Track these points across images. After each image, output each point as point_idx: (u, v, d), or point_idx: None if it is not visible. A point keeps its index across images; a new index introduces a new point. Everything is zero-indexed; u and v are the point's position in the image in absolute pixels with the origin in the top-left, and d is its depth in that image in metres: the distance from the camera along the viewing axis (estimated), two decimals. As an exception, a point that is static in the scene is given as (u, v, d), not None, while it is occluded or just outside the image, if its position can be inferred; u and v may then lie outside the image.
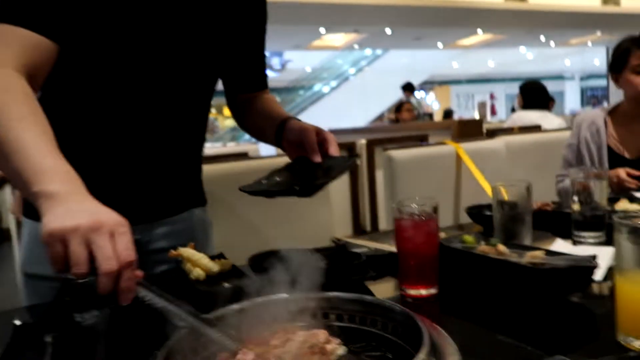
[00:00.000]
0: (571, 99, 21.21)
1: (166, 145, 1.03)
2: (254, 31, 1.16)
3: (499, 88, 20.39)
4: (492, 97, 20.34)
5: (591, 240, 1.13)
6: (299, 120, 1.08)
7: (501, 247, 0.93)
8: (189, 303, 0.60)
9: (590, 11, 9.39)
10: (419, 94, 19.95)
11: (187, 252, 0.90)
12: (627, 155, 1.99)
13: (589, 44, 13.23)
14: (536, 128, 3.64)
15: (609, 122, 2.04)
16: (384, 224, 2.69)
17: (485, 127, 5.96)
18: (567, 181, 1.95)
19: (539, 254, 0.87)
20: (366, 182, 2.95)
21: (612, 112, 2.06)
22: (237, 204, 1.67)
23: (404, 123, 5.37)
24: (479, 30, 10.70)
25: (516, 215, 1.05)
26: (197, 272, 0.86)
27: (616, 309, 0.67)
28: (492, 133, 3.34)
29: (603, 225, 1.13)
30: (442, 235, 1.08)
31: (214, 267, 0.88)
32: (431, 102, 20.05)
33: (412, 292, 0.91)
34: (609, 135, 2.01)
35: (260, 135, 1.21)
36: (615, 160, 1.97)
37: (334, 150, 1.02)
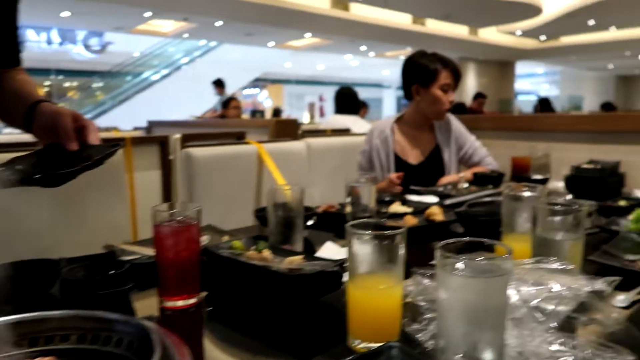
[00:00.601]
0: (388, 106, 23.54)
1: None
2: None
3: (328, 90, 21.67)
4: (321, 99, 21.49)
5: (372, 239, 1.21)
6: (54, 103, 0.96)
7: (265, 253, 0.92)
8: None
9: (401, 28, 10.52)
10: (252, 91, 20.11)
11: None
12: (410, 161, 2.21)
13: (402, 57, 14.85)
14: (346, 131, 3.91)
15: (395, 130, 2.24)
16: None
17: (304, 127, 6.21)
18: None
19: (297, 259, 0.88)
20: (180, 180, 2.81)
21: (398, 121, 2.27)
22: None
23: (230, 119, 5.30)
24: (308, 34, 11.16)
25: (289, 218, 1.06)
26: None
27: (347, 313, 0.70)
28: (306, 134, 3.48)
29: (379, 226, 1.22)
30: (204, 239, 1.05)
31: None
32: (264, 99, 20.39)
33: (169, 303, 0.85)
34: (396, 143, 2.21)
35: (8, 118, 1.05)
36: (401, 166, 2.17)
37: (93, 138, 0.92)
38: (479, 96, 8.36)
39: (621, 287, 0.88)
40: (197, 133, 3.40)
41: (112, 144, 0.88)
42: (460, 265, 0.54)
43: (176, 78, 15.63)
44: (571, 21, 10.89)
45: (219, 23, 9.56)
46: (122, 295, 0.86)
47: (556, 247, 0.80)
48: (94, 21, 10.00)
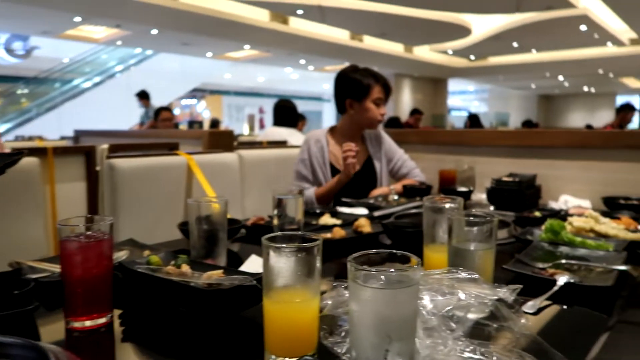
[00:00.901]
0: (328, 119, 23.84)
1: None
2: None
3: (268, 102, 21.62)
4: (261, 110, 21.41)
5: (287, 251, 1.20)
6: None
7: (184, 268, 0.89)
8: None
9: (339, 43, 10.72)
10: (190, 101, 19.67)
11: None
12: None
13: (341, 72, 15.09)
14: (283, 144, 3.90)
15: (329, 140, 2.27)
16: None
17: (242, 139, 6.13)
18: (306, 192, 2.11)
19: (216, 273, 0.85)
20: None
21: (331, 132, 2.31)
22: None
23: (162, 130, 5.13)
24: (247, 45, 11.11)
25: (211, 232, 1.03)
26: None
27: (264, 328, 0.69)
28: (241, 146, 3.44)
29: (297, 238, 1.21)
30: (122, 254, 1.00)
31: None
32: (202, 110, 20.01)
33: (76, 324, 0.79)
34: (330, 153, 2.24)
35: None
36: (335, 175, 2.20)
37: None
38: (415, 112, 8.65)
39: (531, 294, 0.93)
40: (126, 143, 3.27)
41: (14, 153, 0.82)
42: (370, 276, 0.54)
43: (109, 86, 15.02)
44: (497, 43, 11.57)
45: (154, 31, 9.30)
46: (25, 316, 0.80)
47: (469, 257, 0.83)
48: (17, 24, 9.41)
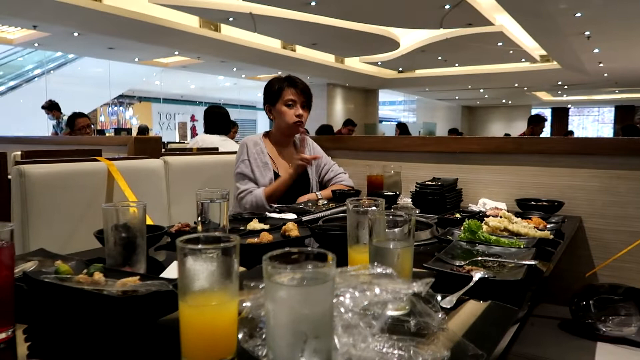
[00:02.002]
0: (262, 128, 23.73)
1: None
2: None
3: (200, 110, 21.10)
4: (193, 118, 20.89)
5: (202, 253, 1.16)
6: None
7: (97, 276, 0.84)
8: None
9: (272, 52, 10.73)
10: (117, 108, 18.81)
11: None
12: (281, 174, 2.25)
13: (273, 80, 15.08)
14: (214, 150, 3.82)
15: (266, 144, 2.30)
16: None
17: (172, 147, 5.94)
18: (255, 192, 2.08)
19: (131, 280, 0.81)
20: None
21: (266, 137, 2.34)
22: None
23: (83, 137, 4.85)
24: (176, 51, 10.83)
25: (128, 238, 0.98)
26: None
27: (180, 334, 0.66)
28: (169, 152, 3.33)
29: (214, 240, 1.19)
30: (29, 265, 0.93)
31: None
32: (129, 117, 19.20)
33: (-29, 342, 0.72)
34: (268, 156, 2.26)
35: None
36: (275, 178, 2.21)
37: None
38: (349, 123, 8.76)
39: (449, 290, 0.96)
40: (42, 150, 3.06)
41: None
42: (283, 274, 0.54)
43: (26, 91, 14.04)
44: (423, 56, 12.10)
45: (75, 34, 8.82)
46: None
47: (389, 255, 0.85)
48: None
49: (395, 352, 0.66)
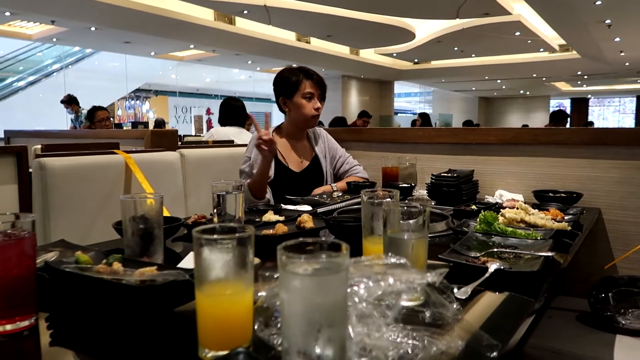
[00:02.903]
0: (277, 121, 23.76)
1: None
2: None
3: (216, 103, 21.16)
4: (208, 112, 21.01)
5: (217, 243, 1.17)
6: None
7: (116, 266, 0.86)
8: None
9: (286, 44, 10.71)
10: (134, 102, 19.00)
11: None
12: (292, 168, 2.25)
13: (288, 74, 15.06)
14: (230, 143, 3.84)
15: (276, 138, 2.27)
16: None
17: (188, 140, 5.99)
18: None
19: (149, 270, 0.83)
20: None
21: (277, 131, 2.32)
22: None
23: (101, 130, 4.92)
24: (192, 45, 10.88)
25: (145, 229, 1.00)
26: None
27: (197, 322, 0.67)
28: (184, 145, 3.36)
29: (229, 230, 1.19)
30: (51, 255, 0.95)
31: None
32: (146, 111, 19.37)
33: (-4, 329, 0.74)
34: (277, 151, 2.23)
35: None
36: (284, 172, 2.21)
37: None
38: (364, 115, 8.71)
39: (465, 282, 0.96)
40: (61, 144, 3.11)
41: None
42: (298, 264, 0.54)
43: (45, 86, 14.27)
44: (439, 47, 11.96)
45: (92, 29, 8.92)
46: None
47: (403, 246, 0.85)
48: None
49: (410, 341, 0.66)
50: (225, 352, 0.62)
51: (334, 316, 0.56)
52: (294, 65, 2.29)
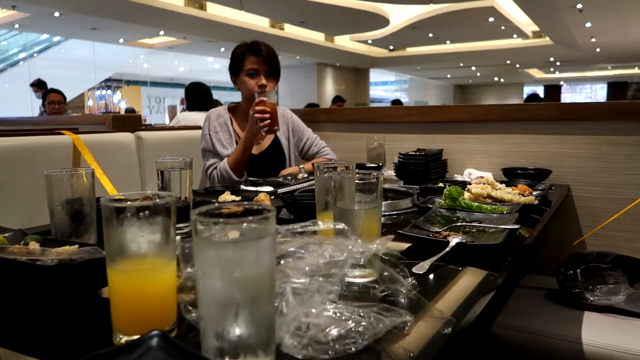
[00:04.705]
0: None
1: None
2: None
3: (189, 94, 20.73)
4: (183, 102, 20.61)
5: (184, 231, 1.09)
6: None
7: (32, 245, 0.77)
8: None
9: (259, 30, 10.52)
10: (105, 92, 18.50)
11: None
12: (251, 151, 2.14)
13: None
14: (197, 127, 3.71)
15: (232, 118, 2.17)
16: None
17: (154, 126, 5.80)
18: (219, 166, 1.99)
19: (69, 249, 0.74)
20: None
21: (233, 111, 2.20)
22: None
23: (62, 117, 4.72)
24: (162, 31, 10.60)
25: (73, 205, 0.90)
26: None
27: (110, 305, 0.58)
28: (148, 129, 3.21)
29: (188, 217, 1.11)
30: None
31: None
32: (118, 101, 18.90)
33: None
34: (234, 130, 2.14)
35: None
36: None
37: None
38: (338, 100, 8.61)
39: (426, 257, 0.89)
40: (14, 130, 2.95)
41: None
42: (210, 228, 0.46)
43: (11, 75, 13.78)
44: (414, 33, 11.93)
45: (56, 14, 8.58)
46: None
47: (353, 217, 0.78)
48: None
49: (355, 318, 0.59)
50: (137, 337, 0.54)
51: (257, 291, 0.48)
52: (245, 42, 2.14)
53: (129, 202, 0.56)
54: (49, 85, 6.83)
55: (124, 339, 0.57)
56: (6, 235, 0.81)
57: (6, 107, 12.17)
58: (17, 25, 9.94)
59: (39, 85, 6.47)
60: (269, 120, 1.86)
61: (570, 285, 1.51)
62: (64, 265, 0.68)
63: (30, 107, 10.89)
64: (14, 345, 0.63)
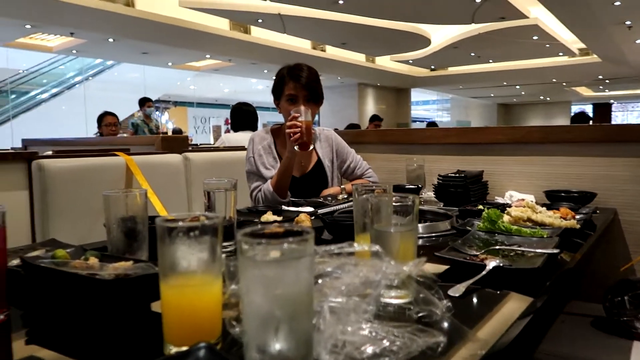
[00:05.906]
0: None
1: None
2: None
3: (234, 114, 21.29)
4: (227, 122, 21.18)
5: (229, 249, 1.14)
6: None
7: (92, 261, 0.83)
8: None
9: (302, 52, 10.74)
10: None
11: None
12: (293, 173, 2.19)
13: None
14: (241, 148, 3.82)
15: (275, 140, 2.20)
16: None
17: (201, 146, 6.00)
18: (263, 188, 2.02)
19: (124, 264, 0.80)
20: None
21: (276, 132, 2.23)
22: None
23: (115, 137, 4.98)
24: (208, 55, 11.00)
25: (128, 224, 0.97)
26: None
27: (162, 317, 0.63)
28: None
29: (233, 235, 1.16)
30: (36, 253, 0.93)
31: None
32: (165, 121, 19.64)
33: (-39, 324, 0.72)
34: (277, 153, 2.17)
35: None
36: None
37: None
38: (375, 119, 8.63)
39: (461, 280, 0.91)
40: (71, 149, 3.13)
41: None
42: (255, 249, 0.50)
43: (67, 98, 14.62)
44: (456, 53, 11.86)
45: (110, 40, 9.09)
46: None
47: (389, 239, 0.81)
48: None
49: (390, 337, 0.61)
50: (186, 348, 0.58)
51: (296, 308, 0.51)
52: (290, 64, 2.12)
53: (180, 223, 0.61)
54: (102, 106, 7.26)
55: (174, 349, 0.61)
56: (68, 250, 0.88)
57: (63, 127, 12.89)
58: (74, 51, 10.58)
59: (141, 102, 7.07)
60: (298, 134, 1.84)
61: (618, 313, 1.46)
62: (121, 280, 0.73)
63: (85, 126, 11.50)
64: (73, 353, 0.69)
